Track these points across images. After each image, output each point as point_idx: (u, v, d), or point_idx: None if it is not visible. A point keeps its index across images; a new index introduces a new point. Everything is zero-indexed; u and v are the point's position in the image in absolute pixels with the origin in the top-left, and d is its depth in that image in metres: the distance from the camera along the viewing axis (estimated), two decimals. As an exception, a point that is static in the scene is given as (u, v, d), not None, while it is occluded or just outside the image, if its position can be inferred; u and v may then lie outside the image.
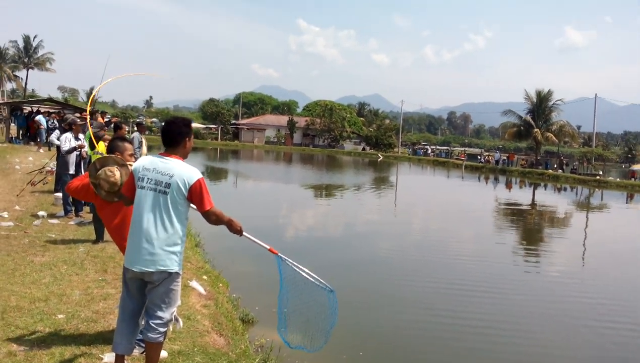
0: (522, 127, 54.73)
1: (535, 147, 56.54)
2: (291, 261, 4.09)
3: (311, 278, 4.12)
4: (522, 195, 31.68)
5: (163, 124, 3.90)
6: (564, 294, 9.73)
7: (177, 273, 3.65)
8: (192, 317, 5.25)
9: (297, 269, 4.11)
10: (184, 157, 3.75)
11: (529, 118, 54.04)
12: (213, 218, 3.68)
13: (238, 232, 3.85)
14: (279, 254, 4.09)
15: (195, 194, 3.58)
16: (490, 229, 17.15)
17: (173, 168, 3.58)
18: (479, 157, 64.06)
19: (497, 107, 76.03)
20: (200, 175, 3.60)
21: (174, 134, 3.71)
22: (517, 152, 69.05)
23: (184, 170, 3.58)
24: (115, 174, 4.12)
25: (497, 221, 19.73)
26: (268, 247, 4.11)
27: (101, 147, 8.23)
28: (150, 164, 3.64)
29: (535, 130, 52.31)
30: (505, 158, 58.12)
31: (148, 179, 3.59)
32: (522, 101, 55.93)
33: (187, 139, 3.76)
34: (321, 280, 4.18)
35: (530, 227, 18.78)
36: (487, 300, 8.83)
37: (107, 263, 6.74)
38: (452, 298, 8.77)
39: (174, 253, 3.61)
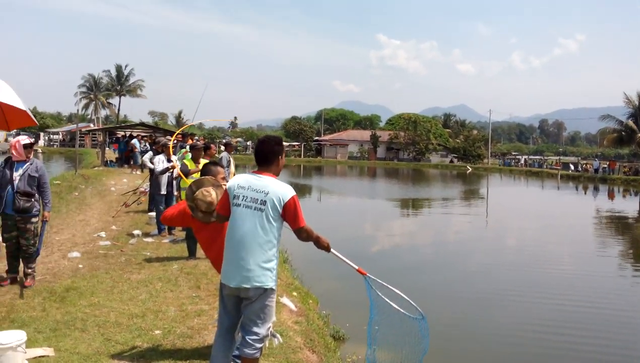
0: (623, 133, 51.17)
1: (639, 152, 52.58)
2: (380, 281, 3.98)
3: (400, 308, 3.99)
4: (627, 205, 29.34)
5: (256, 143, 3.94)
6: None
7: (272, 289, 3.65)
8: (284, 334, 5.16)
9: (386, 293, 3.99)
10: (276, 174, 3.78)
11: (631, 122, 50.46)
12: (304, 235, 3.71)
13: (326, 248, 3.88)
14: (368, 275, 3.99)
15: (289, 211, 3.61)
16: (593, 242, 15.97)
17: (268, 185, 3.62)
18: (571, 166, 60.43)
19: (593, 112, 71.92)
20: (294, 193, 3.63)
21: (266, 153, 3.76)
22: (618, 160, 64.50)
23: (279, 188, 3.62)
24: (212, 193, 4.18)
25: (601, 233, 18.36)
26: (356, 268, 4.04)
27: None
28: (245, 181, 3.69)
29: (639, 134, 48.81)
30: (605, 166, 54.33)
31: (243, 196, 3.64)
32: (622, 105, 52.69)
33: (280, 156, 3.80)
34: (412, 302, 4.02)
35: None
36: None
37: (200, 279, 6.85)
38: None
39: (268, 269, 3.62)
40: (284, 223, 3.70)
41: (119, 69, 77.57)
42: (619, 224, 20.98)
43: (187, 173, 8.54)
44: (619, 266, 12.75)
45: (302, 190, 30.74)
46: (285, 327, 5.40)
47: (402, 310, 4.00)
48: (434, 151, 76.14)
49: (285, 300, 6.30)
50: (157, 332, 4.98)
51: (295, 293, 7.03)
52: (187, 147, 12.49)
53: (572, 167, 59.74)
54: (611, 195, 35.19)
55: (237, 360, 3.97)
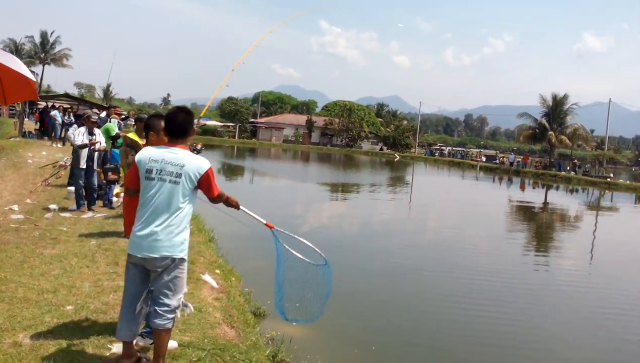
0: (537, 130, 55.00)
1: (549, 149, 56.58)
2: (287, 232, 4.15)
3: (305, 258, 4.17)
4: (534, 196, 31.41)
5: (168, 114, 3.83)
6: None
7: (182, 259, 3.67)
8: (204, 310, 5.13)
9: (292, 247, 4.16)
10: (188, 145, 3.84)
11: (544, 121, 54.30)
12: (219, 200, 3.88)
13: (235, 206, 4.04)
14: (275, 228, 4.14)
15: (205, 183, 3.68)
16: (500, 228, 17.07)
17: (183, 158, 3.63)
18: (483, 158, 63.92)
19: (514, 110, 75.59)
20: (209, 165, 3.71)
21: (184, 124, 3.73)
22: (531, 155, 68.44)
23: (195, 161, 3.65)
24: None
25: (509, 220, 19.63)
26: (264, 222, 4.16)
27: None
28: (158, 155, 3.65)
29: (550, 132, 52.50)
30: (519, 160, 57.67)
31: (157, 169, 3.60)
32: (538, 105, 56.20)
33: (193, 126, 3.84)
34: (316, 249, 4.19)
35: (540, 225, 18.85)
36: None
37: (118, 256, 6.63)
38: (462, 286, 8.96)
39: (180, 240, 3.63)
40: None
41: (43, 35, 72.15)
42: (526, 212, 22.65)
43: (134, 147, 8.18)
44: (522, 246, 13.99)
45: (234, 171, 30.42)
46: (205, 303, 5.37)
47: (307, 259, 4.16)
48: (365, 138, 77.48)
49: (206, 277, 6.25)
50: (69, 307, 4.79)
51: (217, 271, 6.97)
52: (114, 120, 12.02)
53: (483, 158, 63.28)
54: (522, 187, 37.46)
55: (151, 336, 3.91)
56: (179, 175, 3.58)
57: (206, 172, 3.65)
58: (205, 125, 69.18)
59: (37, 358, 3.78)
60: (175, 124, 3.72)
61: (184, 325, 4.60)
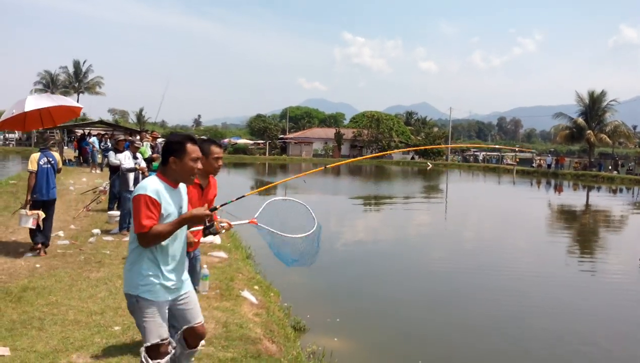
0: (574, 129, 53.37)
1: (588, 149, 54.81)
2: (270, 229, 3.96)
3: (295, 235, 4.08)
4: (574, 199, 30.47)
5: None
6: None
7: (136, 298, 3.24)
8: (244, 326, 5.25)
9: (277, 232, 4.01)
10: (164, 174, 3.29)
11: (581, 120, 52.73)
12: (150, 239, 3.12)
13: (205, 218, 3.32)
14: (259, 224, 3.92)
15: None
16: (539, 233, 16.68)
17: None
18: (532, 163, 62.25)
19: (549, 110, 73.61)
20: (137, 191, 3.16)
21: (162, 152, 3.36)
22: (569, 155, 66.75)
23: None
24: None
25: (546, 225, 19.17)
26: (248, 221, 3.96)
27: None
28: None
29: (588, 131, 50.90)
30: (556, 161, 56.17)
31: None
32: (574, 103, 54.66)
33: (172, 156, 3.25)
34: (308, 207, 4.18)
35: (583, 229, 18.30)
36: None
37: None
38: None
39: (131, 273, 3.33)
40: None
41: (76, 65, 74.82)
42: (568, 215, 22.03)
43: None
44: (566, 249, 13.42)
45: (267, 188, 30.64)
46: (246, 320, 5.49)
47: (297, 236, 4.06)
48: (396, 148, 77.04)
49: (246, 293, 6.38)
50: (116, 328, 5.00)
51: (256, 287, 7.12)
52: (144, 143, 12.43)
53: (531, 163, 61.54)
54: (559, 189, 36.49)
55: None
56: None
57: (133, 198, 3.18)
58: (236, 143, 70.13)
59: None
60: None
61: (226, 342, 4.73)
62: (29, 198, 7.82)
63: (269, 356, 4.71)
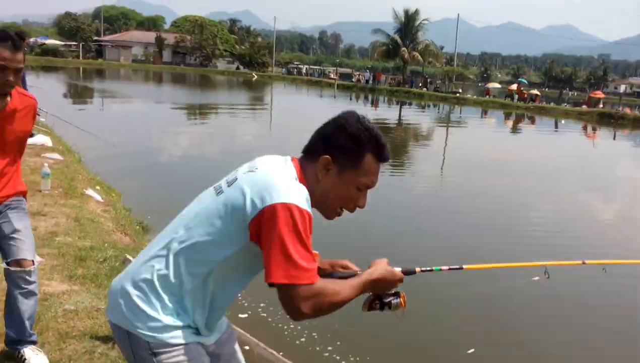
0: (390, 46, 56.25)
1: (402, 66, 58.43)
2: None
3: None
4: (389, 113, 33.61)
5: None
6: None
7: None
8: (96, 220, 5.44)
9: None
10: None
11: (397, 37, 55.46)
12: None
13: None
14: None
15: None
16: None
17: None
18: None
19: (368, 26, 77.19)
20: None
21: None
22: (385, 72, 71.60)
23: None
24: None
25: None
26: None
27: None
28: None
29: (403, 49, 54.17)
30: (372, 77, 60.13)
31: None
32: (392, 21, 57.26)
33: None
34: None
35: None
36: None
37: None
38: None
39: None
40: None
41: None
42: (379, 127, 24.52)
43: None
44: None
45: (83, 94, 28.52)
46: (96, 215, 5.66)
47: None
48: (220, 57, 75.52)
49: (90, 191, 6.46)
50: None
51: (98, 187, 7.15)
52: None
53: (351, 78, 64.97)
54: (375, 104, 39.64)
55: None
56: None
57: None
58: (44, 44, 62.52)
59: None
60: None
61: (82, 233, 4.91)
62: None
63: (125, 245, 5.03)
